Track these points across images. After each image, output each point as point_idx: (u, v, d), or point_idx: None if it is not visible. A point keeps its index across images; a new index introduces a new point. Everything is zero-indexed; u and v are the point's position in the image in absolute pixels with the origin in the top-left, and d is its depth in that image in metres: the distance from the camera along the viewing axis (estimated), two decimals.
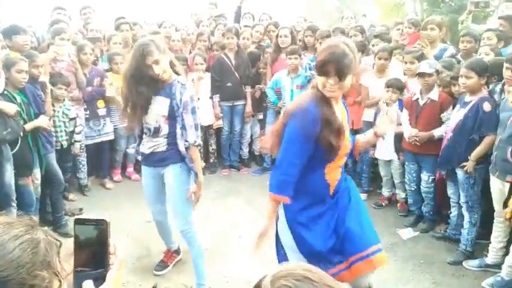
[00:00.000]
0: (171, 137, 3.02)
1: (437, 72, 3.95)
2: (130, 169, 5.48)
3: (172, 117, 2.98)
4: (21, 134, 3.60)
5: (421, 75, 3.98)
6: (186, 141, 2.99)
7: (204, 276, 3.22)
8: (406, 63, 4.42)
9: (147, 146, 3.10)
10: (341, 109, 2.44)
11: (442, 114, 3.94)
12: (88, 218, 1.08)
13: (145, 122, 3.05)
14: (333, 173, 2.43)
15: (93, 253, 1.08)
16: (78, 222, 1.08)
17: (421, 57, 4.29)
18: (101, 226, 1.07)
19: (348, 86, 2.31)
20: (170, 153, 3.05)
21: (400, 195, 4.57)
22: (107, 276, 1.08)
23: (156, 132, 3.03)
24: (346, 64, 2.22)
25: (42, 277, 0.90)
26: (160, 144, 3.06)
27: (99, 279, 1.07)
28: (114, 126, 5.13)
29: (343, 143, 2.34)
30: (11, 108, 3.47)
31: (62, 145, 4.39)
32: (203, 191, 3.16)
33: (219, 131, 5.73)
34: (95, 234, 1.07)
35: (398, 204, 4.62)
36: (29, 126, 3.71)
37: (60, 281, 0.95)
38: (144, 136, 3.12)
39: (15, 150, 3.59)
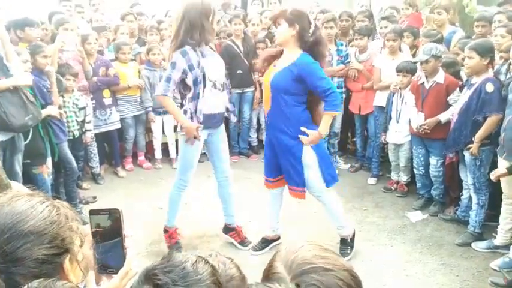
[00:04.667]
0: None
1: (436, 57, 3.90)
2: (141, 157, 5.55)
3: None
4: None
5: (416, 63, 4.04)
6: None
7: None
8: (423, 45, 4.39)
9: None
10: (289, 57, 3.14)
11: (448, 97, 3.93)
12: (101, 208, 1.16)
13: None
14: (265, 105, 3.38)
15: (110, 239, 1.16)
16: (92, 213, 1.16)
17: (439, 41, 4.26)
18: (114, 215, 1.15)
19: (280, 32, 3.16)
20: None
21: (402, 177, 4.63)
22: (107, 282, 1.15)
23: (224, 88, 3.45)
24: (277, 13, 3.22)
25: (70, 230, 1.04)
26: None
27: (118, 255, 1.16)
28: (121, 115, 5.18)
29: (264, 74, 3.32)
30: (26, 80, 3.49)
31: (73, 135, 4.48)
32: (213, 177, 3.73)
33: (227, 118, 5.75)
34: (110, 222, 1.15)
35: (398, 185, 4.67)
36: None
37: (81, 238, 1.08)
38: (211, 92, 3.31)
39: (28, 140, 3.69)
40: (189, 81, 3.24)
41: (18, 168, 3.61)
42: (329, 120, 3.21)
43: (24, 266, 0.94)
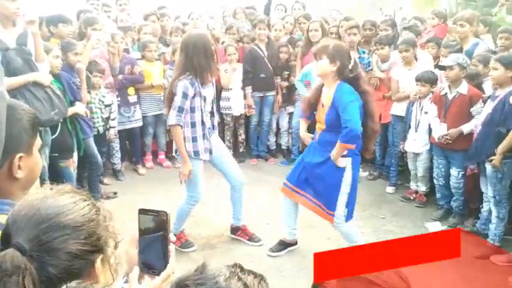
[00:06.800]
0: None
1: (461, 66, 3.93)
2: (161, 156, 5.65)
3: None
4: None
5: (441, 68, 4.03)
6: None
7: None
8: (443, 56, 4.42)
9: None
10: (329, 92, 3.21)
11: (472, 109, 3.93)
12: (150, 209, 1.18)
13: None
14: (318, 125, 3.39)
15: (153, 240, 1.18)
16: (141, 212, 1.18)
17: (458, 52, 4.27)
18: (161, 217, 1.17)
19: (322, 67, 3.19)
20: None
21: (421, 187, 4.61)
22: (149, 281, 1.16)
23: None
24: (320, 48, 3.24)
25: (107, 231, 1.07)
26: None
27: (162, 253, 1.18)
28: (143, 113, 5.28)
29: (317, 114, 3.38)
30: (46, 79, 3.55)
31: (98, 131, 4.58)
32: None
33: (247, 121, 5.83)
34: (154, 224, 1.17)
35: (417, 195, 4.66)
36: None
37: (115, 241, 1.10)
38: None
39: (56, 134, 3.78)
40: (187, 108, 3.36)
41: (45, 162, 3.70)
42: (339, 148, 3.17)
43: (57, 257, 0.97)
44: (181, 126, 3.36)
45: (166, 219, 1.17)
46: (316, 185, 3.37)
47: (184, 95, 3.29)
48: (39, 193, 1.06)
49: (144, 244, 1.18)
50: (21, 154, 1.30)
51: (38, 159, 1.41)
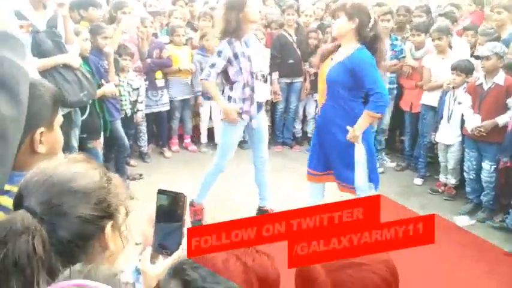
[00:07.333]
0: None
1: (498, 56, 3.77)
2: (187, 140, 5.68)
3: None
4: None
5: (477, 57, 3.87)
6: None
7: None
8: (479, 44, 4.25)
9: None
10: (345, 53, 3.08)
11: (508, 100, 3.77)
12: (169, 190, 1.20)
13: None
14: (319, 98, 3.36)
15: (168, 221, 1.20)
16: (160, 192, 1.20)
17: (496, 40, 4.10)
18: (179, 199, 1.19)
19: (340, 25, 3.10)
20: None
21: (451, 180, 4.48)
22: (162, 262, 1.18)
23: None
24: (338, 6, 3.25)
25: (117, 198, 1.08)
26: None
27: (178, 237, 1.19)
28: (170, 98, 5.29)
29: (320, 69, 3.30)
30: (75, 61, 3.59)
31: (126, 113, 4.64)
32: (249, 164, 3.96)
33: (273, 107, 5.78)
34: (171, 205, 1.19)
35: (446, 188, 4.52)
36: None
37: (126, 209, 1.11)
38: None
39: (85, 115, 3.85)
40: (233, 69, 3.40)
41: (75, 143, 3.79)
42: (367, 119, 3.07)
43: (68, 221, 0.99)
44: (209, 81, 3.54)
45: (184, 201, 1.19)
46: (333, 163, 3.35)
47: (219, 53, 3.42)
48: (52, 161, 1.09)
49: (160, 224, 1.20)
50: (42, 129, 1.33)
51: (59, 135, 1.44)
